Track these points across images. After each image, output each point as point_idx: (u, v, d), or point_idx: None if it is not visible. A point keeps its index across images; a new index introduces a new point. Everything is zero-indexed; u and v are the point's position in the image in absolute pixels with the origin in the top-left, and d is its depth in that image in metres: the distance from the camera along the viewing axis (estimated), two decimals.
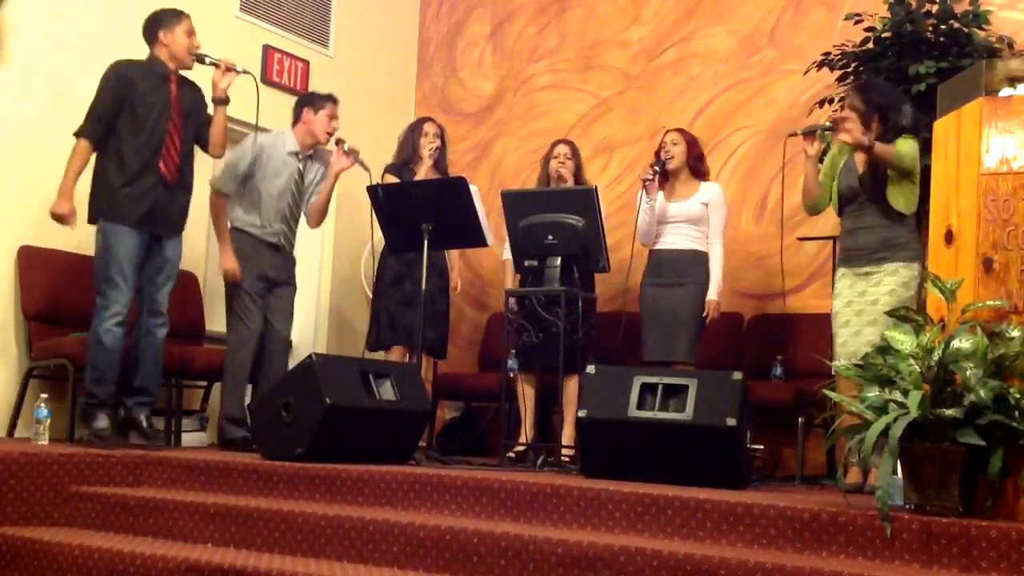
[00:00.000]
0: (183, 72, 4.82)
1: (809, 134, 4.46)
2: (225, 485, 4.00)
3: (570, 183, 5.33)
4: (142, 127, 4.61)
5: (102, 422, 4.51)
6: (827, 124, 4.47)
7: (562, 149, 5.45)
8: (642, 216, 5.08)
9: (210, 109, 4.88)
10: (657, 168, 5.11)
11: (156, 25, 4.75)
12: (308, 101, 5.32)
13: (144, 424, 4.68)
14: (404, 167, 5.50)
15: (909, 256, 4.30)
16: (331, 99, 5.29)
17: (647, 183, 5.06)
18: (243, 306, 5.06)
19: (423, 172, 5.41)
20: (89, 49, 5.37)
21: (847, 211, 4.45)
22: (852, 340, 4.26)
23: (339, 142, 5.18)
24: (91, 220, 4.65)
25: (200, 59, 4.79)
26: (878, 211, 4.34)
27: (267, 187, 5.13)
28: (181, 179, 4.73)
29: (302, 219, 5.33)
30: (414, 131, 5.61)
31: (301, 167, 5.22)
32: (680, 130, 5.31)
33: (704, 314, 5.07)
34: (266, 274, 5.12)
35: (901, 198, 4.28)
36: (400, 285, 5.50)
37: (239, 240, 5.12)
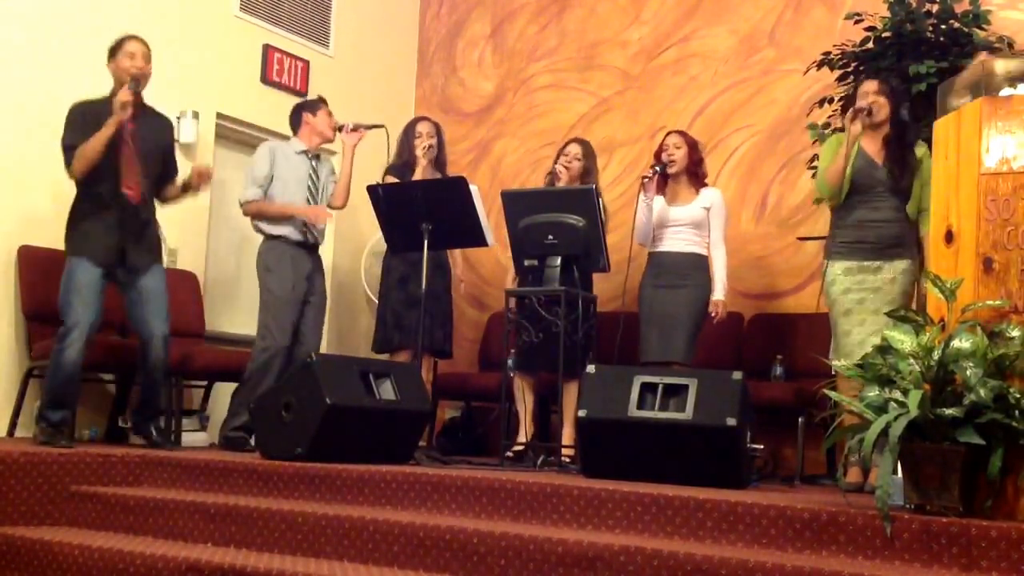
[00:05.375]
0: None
1: (858, 112, 4.41)
2: (225, 485, 4.00)
3: (565, 182, 5.29)
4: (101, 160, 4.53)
5: (62, 438, 4.39)
6: (866, 107, 4.42)
7: (572, 149, 5.38)
8: (640, 215, 5.07)
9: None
10: (658, 169, 5.11)
11: (109, 55, 4.69)
12: (303, 107, 5.46)
13: (154, 436, 4.69)
14: (406, 168, 5.51)
15: (912, 253, 4.35)
16: (322, 100, 5.44)
17: (646, 181, 5.05)
18: (273, 317, 5.08)
19: (420, 172, 5.42)
20: (85, 49, 5.37)
21: (856, 200, 4.40)
22: (871, 340, 4.23)
23: (340, 128, 5.35)
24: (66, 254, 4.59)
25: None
26: (894, 205, 4.36)
27: (286, 185, 5.21)
28: (147, 205, 4.70)
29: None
30: (408, 132, 5.62)
31: (313, 164, 5.32)
32: (682, 133, 5.28)
33: (712, 314, 5.07)
34: (301, 284, 5.16)
35: (914, 202, 4.35)
36: (405, 286, 5.50)
37: (277, 248, 5.17)
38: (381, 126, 5.25)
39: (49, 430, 4.42)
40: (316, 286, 5.28)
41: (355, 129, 5.30)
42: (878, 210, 4.37)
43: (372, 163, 5.70)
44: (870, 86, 4.49)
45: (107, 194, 4.56)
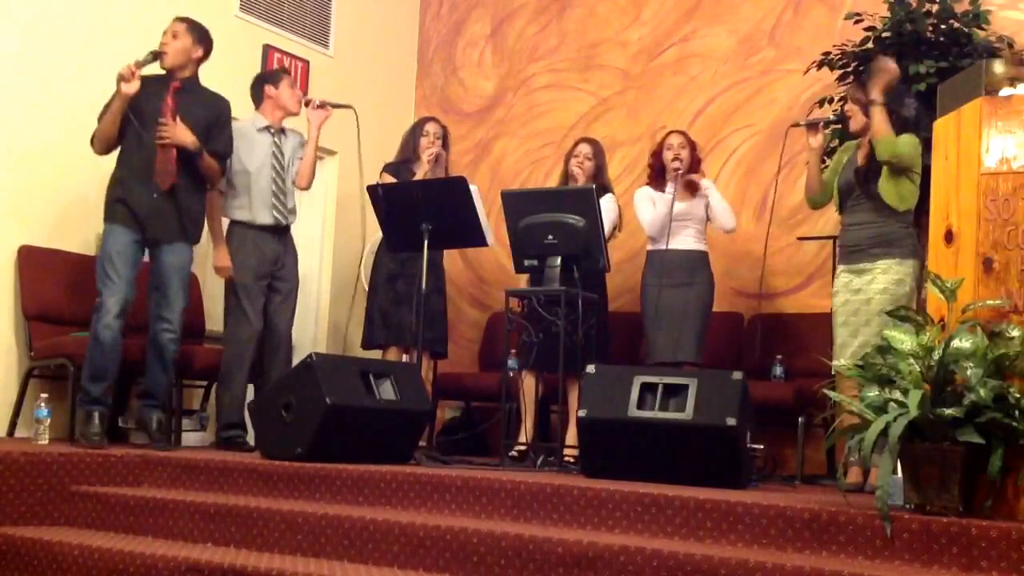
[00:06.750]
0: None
1: (812, 126, 4.49)
2: (225, 485, 4.00)
3: (583, 184, 5.28)
4: (138, 133, 4.60)
5: (94, 426, 4.44)
6: (831, 118, 4.52)
7: (583, 148, 5.39)
8: (662, 209, 5.09)
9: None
10: (679, 167, 5.14)
11: None
12: (264, 79, 5.31)
13: (154, 426, 4.67)
14: (403, 166, 5.50)
15: (903, 252, 4.29)
16: (284, 71, 5.36)
17: (678, 177, 5.07)
18: (241, 304, 5.03)
19: (421, 173, 5.41)
20: (86, 49, 5.37)
21: (846, 207, 4.46)
22: (850, 340, 4.26)
23: (307, 103, 5.22)
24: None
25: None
26: (871, 207, 4.35)
27: (247, 168, 5.08)
28: (180, 184, 4.66)
29: (298, 199, 5.32)
30: (415, 131, 5.62)
31: (277, 140, 5.16)
32: (683, 133, 5.34)
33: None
34: (266, 267, 5.08)
35: (893, 192, 4.27)
36: (393, 283, 5.50)
37: (238, 233, 5.10)
38: (349, 106, 5.14)
39: (90, 404, 4.46)
40: (285, 271, 5.15)
41: (322, 105, 5.15)
42: (855, 214, 4.40)
43: (373, 165, 5.69)
44: (848, 93, 4.55)
45: (140, 169, 4.61)
